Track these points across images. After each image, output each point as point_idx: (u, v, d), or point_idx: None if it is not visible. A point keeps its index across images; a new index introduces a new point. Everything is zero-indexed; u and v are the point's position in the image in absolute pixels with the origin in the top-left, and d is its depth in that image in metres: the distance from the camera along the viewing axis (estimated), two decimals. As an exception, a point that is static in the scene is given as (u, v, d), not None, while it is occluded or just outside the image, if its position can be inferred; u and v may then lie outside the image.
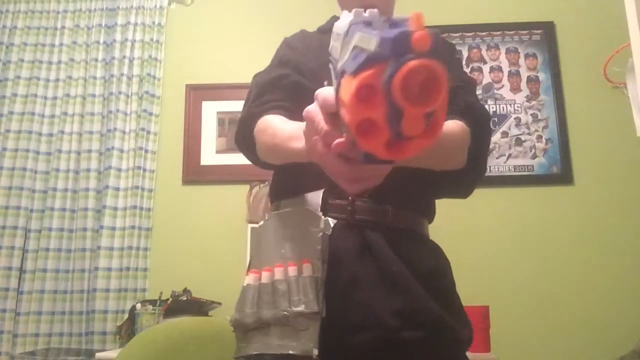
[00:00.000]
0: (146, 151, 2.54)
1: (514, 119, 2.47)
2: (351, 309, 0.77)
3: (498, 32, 2.57)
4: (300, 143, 0.73)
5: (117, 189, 2.46)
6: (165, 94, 2.64)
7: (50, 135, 2.58)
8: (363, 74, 0.40)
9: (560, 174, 2.39)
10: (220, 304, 2.17)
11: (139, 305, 2.15)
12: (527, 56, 2.54)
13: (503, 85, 2.51)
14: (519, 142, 2.44)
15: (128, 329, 2.15)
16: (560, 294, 2.26)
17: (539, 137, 2.44)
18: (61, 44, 2.68)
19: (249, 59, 2.47)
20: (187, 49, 2.68)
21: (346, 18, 0.52)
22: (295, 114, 0.81)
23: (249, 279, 0.79)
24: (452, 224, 2.35)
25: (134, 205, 2.45)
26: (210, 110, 2.58)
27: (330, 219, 0.81)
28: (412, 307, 0.78)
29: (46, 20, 2.72)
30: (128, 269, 2.38)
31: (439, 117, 0.44)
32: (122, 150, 2.51)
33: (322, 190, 0.83)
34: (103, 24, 2.68)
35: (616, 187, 2.35)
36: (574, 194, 2.36)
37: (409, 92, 0.39)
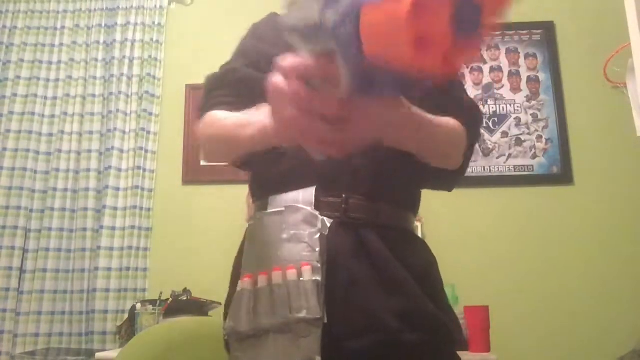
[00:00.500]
0: (146, 151, 2.54)
1: (514, 119, 2.47)
2: (351, 313, 0.75)
3: (498, 32, 2.57)
4: (250, 129, 0.73)
5: (117, 189, 2.46)
6: (165, 94, 2.64)
7: (50, 135, 2.58)
8: None
9: (560, 174, 2.39)
10: (220, 304, 2.17)
11: (139, 305, 2.15)
12: (527, 56, 2.54)
13: (503, 85, 2.51)
14: (519, 142, 2.44)
15: (128, 329, 2.15)
16: (560, 294, 2.26)
17: (539, 137, 2.44)
18: (61, 44, 2.68)
19: (249, 59, 2.46)
20: (187, 49, 2.68)
21: None
22: (240, 109, 0.79)
23: (244, 284, 0.74)
24: (452, 224, 2.36)
25: (134, 205, 2.45)
26: (210, 110, 2.58)
27: (326, 219, 0.76)
28: (411, 309, 0.77)
29: (46, 20, 2.72)
30: (128, 269, 2.38)
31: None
32: (122, 150, 2.51)
33: (314, 187, 0.79)
34: (103, 24, 2.68)
35: (616, 187, 2.35)
36: (574, 194, 2.36)
37: None
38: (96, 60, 2.63)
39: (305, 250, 0.73)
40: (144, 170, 2.52)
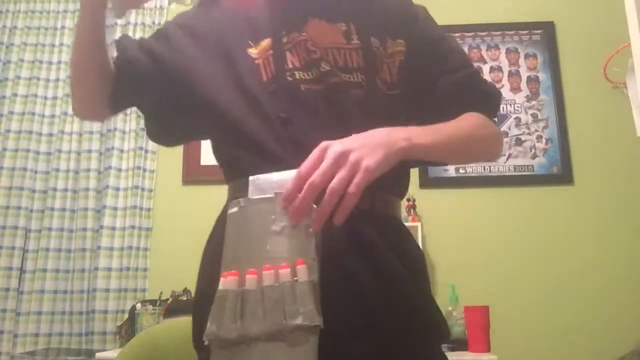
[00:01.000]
0: (146, 151, 2.54)
1: (514, 119, 2.47)
2: (348, 312, 0.70)
3: (498, 32, 2.57)
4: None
5: (117, 189, 2.46)
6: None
7: (50, 135, 2.58)
8: None
9: (560, 174, 2.39)
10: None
11: (139, 305, 2.16)
12: (527, 56, 2.54)
13: (503, 85, 2.51)
14: (519, 142, 2.44)
15: (128, 329, 2.15)
16: (560, 294, 2.26)
17: (539, 137, 2.44)
18: (61, 44, 2.68)
19: (249, 59, 2.46)
20: (187, 49, 2.68)
21: None
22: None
23: (228, 283, 0.64)
24: (452, 224, 2.36)
25: (134, 205, 2.45)
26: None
27: (315, 206, 0.66)
28: (410, 307, 0.74)
29: (46, 20, 2.72)
30: (128, 269, 2.38)
31: None
32: (122, 150, 2.51)
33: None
34: (103, 24, 2.68)
35: (616, 187, 2.35)
36: (574, 194, 2.36)
37: None
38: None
39: (299, 245, 0.65)
40: (144, 170, 2.52)
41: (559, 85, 2.48)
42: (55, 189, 2.47)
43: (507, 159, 2.43)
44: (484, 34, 2.57)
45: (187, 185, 2.53)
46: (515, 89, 2.51)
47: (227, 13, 0.89)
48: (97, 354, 1.95)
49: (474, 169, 2.42)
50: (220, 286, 0.65)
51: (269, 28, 0.85)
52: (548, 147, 2.43)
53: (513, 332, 2.20)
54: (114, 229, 2.41)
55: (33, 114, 2.58)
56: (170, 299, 2.13)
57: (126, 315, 2.23)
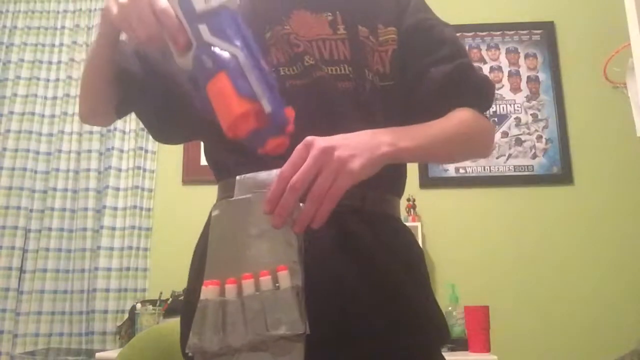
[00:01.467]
0: (146, 151, 2.54)
1: (514, 119, 2.47)
2: (338, 318, 0.67)
3: (498, 32, 2.57)
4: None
5: (117, 189, 2.46)
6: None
7: (50, 135, 2.58)
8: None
9: (560, 174, 2.39)
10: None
11: (139, 305, 2.16)
12: (527, 56, 2.54)
13: (503, 85, 2.51)
14: (519, 142, 2.44)
15: (128, 329, 2.15)
16: (560, 294, 2.26)
17: (539, 137, 2.44)
18: (61, 44, 2.68)
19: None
20: (187, 49, 2.68)
21: None
22: None
23: (207, 292, 0.62)
24: (452, 224, 2.36)
25: (134, 205, 2.45)
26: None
27: (303, 205, 0.61)
28: (403, 310, 0.71)
29: (46, 20, 2.72)
30: (128, 269, 2.38)
31: None
32: (122, 150, 2.51)
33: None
34: (103, 24, 2.68)
35: (616, 187, 2.35)
36: (574, 194, 2.36)
37: None
38: (96, 60, 2.63)
39: (280, 248, 0.62)
40: (144, 170, 2.52)
41: (559, 85, 2.48)
42: (55, 189, 2.47)
43: (507, 159, 2.43)
44: (484, 34, 2.57)
45: (187, 185, 2.53)
46: (515, 89, 2.51)
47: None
48: (97, 354, 1.95)
49: (474, 169, 2.42)
50: (202, 295, 0.62)
51: (253, 21, 0.81)
52: (548, 147, 2.43)
53: (513, 332, 2.20)
54: (114, 229, 2.41)
55: (33, 114, 2.58)
56: (170, 299, 2.13)
57: (126, 315, 2.23)
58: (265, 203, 0.60)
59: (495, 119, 2.46)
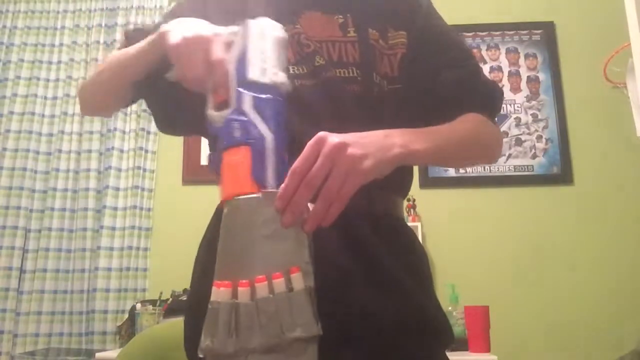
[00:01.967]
0: (146, 151, 2.54)
1: (514, 119, 2.47)
2: (345, 317, 0.67)
3: (498, 32, 2.57)
4: (139, 45, 0.76)
5: (117, 189, 2.46)
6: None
7: (50, 135, 2.58)
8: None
9: (560, 174, 2.39)
10: (220, 304, 2.16)
11: (139, 305, 2.16)
12: (527, 56, 2.54)
13: (503, 85, 2.51)
14: (519, 142, 2.44)
15: (128, 329, 2.15)
16: (560, 294, 2.26)
17: (539, 137, 2.44)
18: (61, 44, 2.68)
19: (249, 59, 2.46)
20: (187, 49, 2.68)
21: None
22: None
23: (219, 295, 0.61)
24: (452, 224, 2.36)
25: (134, 205, 2.45)
26: (210, 110, 2.58)
27: (310, 205, 0.62)
28: (409, 311, 0.72)
29: (46, 20, 2.72)
30: (128, 269, 2.38)
31: None
32: (122, 150, 2.51)
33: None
34: (103, 24, 2.68)
35: (616, 187, 2.35)
36: (574, 194, 2.36)
37: None
38: (96, 60, 2.63)
39: (292, 248, 0.61)
40: (144, 170, 2.52)
41: (559, 85, 2.48)
42: (55, 189, 2.47)
43: (507, 159, 2.43)
44: (484, 34, 2.57)
45: (187, 185, 2.53)
46: (515, 89, 2.51)
47: (223, 4, 0.86)
48: (97, 354, 1.95)
49: (474, 168, 2.42)
50: (213, 297, 0.61)
51: None
52: (548, 147, 2.43)
53: (513, 332, 2.20)
54: (114, 229, 2.41)
55: (33, 114, 2.58)
56: (170, 299, 2.13)
57: (126, 315, 2.22)
58: (278, 200, 0.59)
59: (496, 119, 2.46)
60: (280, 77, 0.67)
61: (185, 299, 2.12)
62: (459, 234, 2.34)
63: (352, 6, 0.84)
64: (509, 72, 2.53)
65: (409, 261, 0.77)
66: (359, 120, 0.73)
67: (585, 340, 2.19)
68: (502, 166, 2.42)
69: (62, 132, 2.54)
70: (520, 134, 2.45)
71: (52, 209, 2.45)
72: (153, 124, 2.57)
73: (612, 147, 2.39)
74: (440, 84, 0.84)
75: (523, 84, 2.51)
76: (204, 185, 2.48)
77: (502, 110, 2.48)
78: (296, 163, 0.59)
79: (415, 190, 2.35)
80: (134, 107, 2.57)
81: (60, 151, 2.52)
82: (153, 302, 2.16)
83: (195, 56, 0.66)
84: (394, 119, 0.77)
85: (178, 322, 1.40)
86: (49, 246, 2.40)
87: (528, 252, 2.31)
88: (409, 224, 2.19)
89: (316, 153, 0.59)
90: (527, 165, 2.42)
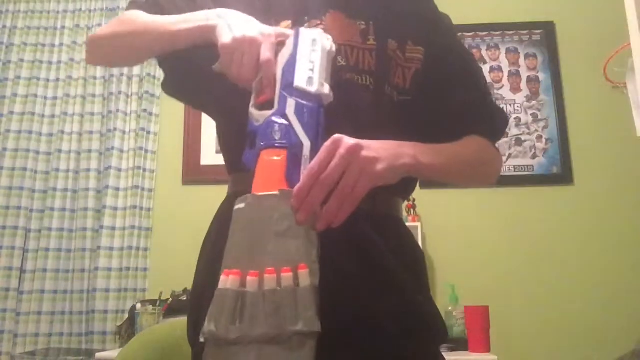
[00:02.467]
0: (146, 151, 2.54)
1: (514, 119, 2.47)
2: (345, 315, 0.69)
3: (498, 32, 2.57)
4: (188, 24, 0.75)
5: (117, 189, 2.46)
6: (165, 94, 2.63)
7: (50, 135, 2.58)
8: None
9: (560, 174, 2.39)
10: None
11: (139, 305, 2.16)
12: (527, 56, 2.54)
13: (503, 85, 2.51)
14: (519, 142, 2.44)
15: (128, 329, 2.15)
16: (560, 294, 2.26)
17: (539, 137, 2.44)
18: (61, 44, 2.68)
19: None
20: (187, 49, 2.68)
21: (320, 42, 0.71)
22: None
23: (228, 282, 0.62)
24: (452, 224, 2.36)
25: (134, 205, 2.45)
26: (210, 110, 2.58)
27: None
28: (407, 308, 0.73)
29: (46, 20, 2.72)
30: (128, 269, 2.38)
31: None
32: (122, 150, 2.51)
33: None
34: (103, 24, 2.68)
35: (616, 187, 2.35)
36: (574, 194, 2.36)
37: None
38: (96, 60, 2.63)
39: (302, 246, 0.63)
40: (144, 170, 2.52)
41: (559, 85, 2.48)
42: (55, 189, 2.47)
43: (507, 159, 2.43)
44: (484, 34, 2.57)
45: (187, 185, 2.53)
46: (515, 89, 2.51)
47: None
48: (97, 354, 1.95)
49: (474, 169, 2.42)
50: (220, 285, 0.63)
51: (291, 9, 0.83)
52: (548, 147, 2.43)
53: (513, 332, 2.20)
54: (114, 229, 2.41)
55: (33, 114, 2.58)
56: (170, 299, 2.13)
57: (126, 315, 2.23)
58: (293, 198, 0.61)
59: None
60: (326, 89, 0.69)
61: (185, 299, 2.13)
62: (459, 234, 2.34)
63: (376, 14, 0.85)
64: (509, 72, 2.53)
65: (409, 262, 0.78)
66: (366, 127, 0.74)
67: (585, 340, 2.19)
68: (502, 166, 2.42)
69: (62, 132, 2.54)
70: (520, 134, 2.45)
71: (52, 209, 2.45)
72: (153, 124, 2.58)
73: (612, 148, 2.39)
74: (450, 104, 0.87)
75: (523, 84, 2.51)
76: (204, 185, 2.49)
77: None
78: (312, 163, 0.62)
79: (415, 190, 2.35)
80: (134, 107, 2.57)
81: (60, 151, 2.52)
82: (153, 302, 2.16)
83: (245, 57, 0.68)
84: (399, 130, 0.78)
85: (178, 322, 1.40)
86: (49, 246, 2.40)
87: (528, 252, 2.31)
88: (409, 224, 2.20)
89: (332, 154, 0.61)
90: (527, 165, 2.42)
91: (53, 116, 2.60)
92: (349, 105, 0.78)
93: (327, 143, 0.63)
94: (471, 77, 0.91)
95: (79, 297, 2.36)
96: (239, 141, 0.74)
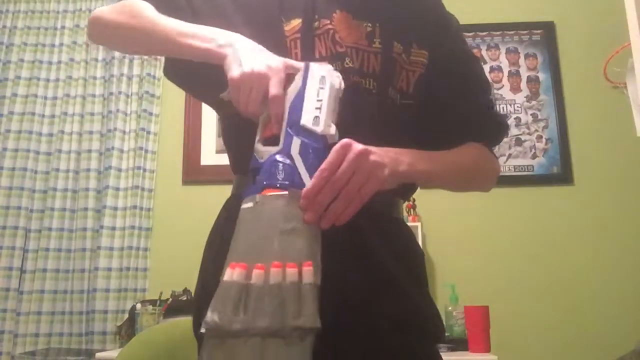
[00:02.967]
0: (146, 151, 2.54)
1: (514, 119, 2.47)
2: (344, 313, 0.69)
3: (498, 32, 2.57)
4: (195, 41, 0.74)
5: (117, 189, 2.46)
6: (165, 94, 2.64)
7: (50, 135, 2.58)
8: None
9: (560, 174, 2.39)
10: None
11: (139, 305, 2.16)
12: (527, 56, 2.54)
13: (503, 85, 2.51)
14: (519, 142, 2.44)
15: (128, 329, 2.15)
16: (559, 294, 2.26)
17: (539, 137, 2.44)
18: (61, 44, 2.68)
19: (249, 59, 2.46)
20: (187, 49, 2.68)
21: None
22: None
23: (234, 274, 0.63)
24: (452, 224, 2.36)
25: (134, 205, 2.45)
26: (210, 110, 2.56)
27: None
28: (406, 310, 0.74)
29: (46, 20, 2.72)
30: (128, 269, 2.38)
31: None
32: (122, 150, 2.51)
33: None
34: (103, 24, 2.68)
35: (616, 187, 2.35)
36: (574, 194, 2.36)
37: None
38: (96, 60, 2.63)
39: (308, 245, 0.64)
40: (144, 170, 2.52)
41: (559, 85, 2.48)
42: (55, 189, 2.47)
43: (507, 159, 2.43)
44: (484, 34, 2.57)
45: (187, 185, 2.53)
46: (515, 89, 2.51)
47: None
48: (97, 354, 1.95)
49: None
50: (226, 277, 0.64)
51: (301, 6, 0.83)
52: (548, 147, 2.43)
53: (513, 332, 2.20)
54: (114, 229, 2.41)
55: (33, 114, 2.58)
56: (170, 299, 2.13)
57: (126, 315, 2.23)
58: (303, 197, 0.64)
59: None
60: (332, 130, 0.69)
61: (185, 299, 2.13)
62: (459, 234, 2.34)
63: (383, 15, 0.85)
64: (509, 72, 2.53)
65: (409, 261, 0.79)
66: (368, 130, 0.74)
67: (585, 340, 2.19)
68: (502, 166, 2.42)
69: (62, 132, 2.54)
70: (520, 134, 2.45)
71: (52, 209, 2.45)
72: (153, 124, 2.58)
73: (612, 148, 2.39)
74: (451, 111, 0.87)
75: (523, 84, 2.51)
76: (204, 186, 2.49)
77: (502, 110, 2.48)
78: (323, 166, 0.64)
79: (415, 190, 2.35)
80: (134, 107, 2.57)
81: (60, 151, 2.52)
82: (153, 302, 2.16)
83: (253, 92, 0.69)
84: (399, 134, 0.79)
85: (178, 322, 1.40)
86: (49, 246, 2.40)
87: (528, 252, 2.31)
88: (409, 224, 2.19)
89: (341, 158, 0.64)
90: (527, 165, 2.42)
91: (53, 116, 2.60)
92: (352, 108, 0.77)
93: (337, 147, 0.65)
94: (475, 85, 0.91)
95: (79, 297, 2.36)
96: (242, 140, 0.75)
